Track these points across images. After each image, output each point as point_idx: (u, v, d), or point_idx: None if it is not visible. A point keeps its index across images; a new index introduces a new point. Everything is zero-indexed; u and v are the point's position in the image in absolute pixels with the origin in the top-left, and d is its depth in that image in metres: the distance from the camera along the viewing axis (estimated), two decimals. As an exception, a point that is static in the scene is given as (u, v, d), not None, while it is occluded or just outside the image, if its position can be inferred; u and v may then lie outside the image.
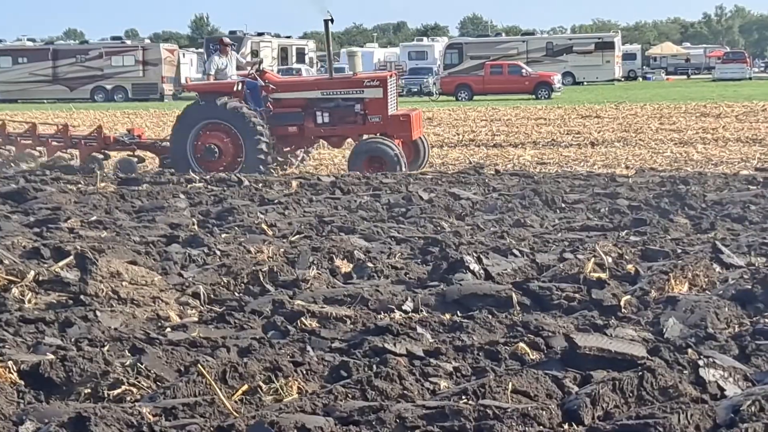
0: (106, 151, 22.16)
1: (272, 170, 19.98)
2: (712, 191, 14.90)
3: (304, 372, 6.25)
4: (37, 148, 22.40)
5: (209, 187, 16.34)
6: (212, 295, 8.65)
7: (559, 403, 5.57)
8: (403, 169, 19.33)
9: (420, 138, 21.00)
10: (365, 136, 20.52)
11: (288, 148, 21.25)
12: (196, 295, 8.58)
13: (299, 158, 22.16)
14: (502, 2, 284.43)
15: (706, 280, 8.74)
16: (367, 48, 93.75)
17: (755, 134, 28.53)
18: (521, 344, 6.69)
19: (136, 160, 21.71)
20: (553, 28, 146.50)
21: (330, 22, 20.82)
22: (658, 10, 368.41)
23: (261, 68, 21.47)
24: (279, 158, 20.88)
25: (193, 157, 20.24)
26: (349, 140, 21.42)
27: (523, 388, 5.76)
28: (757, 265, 9.39)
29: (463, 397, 5.57)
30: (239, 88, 20.40)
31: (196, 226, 12.34)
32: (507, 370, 6.17)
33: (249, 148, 19.92)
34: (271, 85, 20.88)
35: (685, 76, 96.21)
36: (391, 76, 21.59)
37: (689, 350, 6.29)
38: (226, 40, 22.92)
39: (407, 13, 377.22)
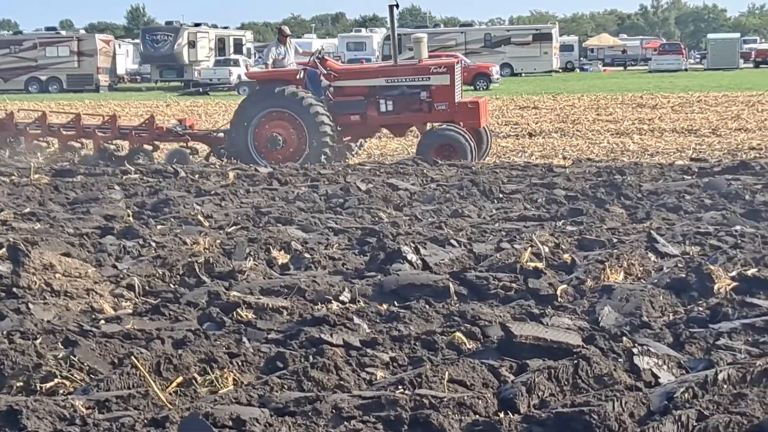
0: (156, 143, 21.58)
1: (334, 160, 19.54)
2: (648, 181, 15.01)
3: (240, 363, 6.20)
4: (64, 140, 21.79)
5: (145, 178, 16.19)
6: (147, 287, 8.57)
7: (495, 392, 5.57)
8: (473, 158, 19.07)
9: (483, 126, 20.61)
10: (428, 125, 20.16)
11: (348, 138, 20.79)
12: (130, 287, 8.49)
13: (357, 147, 21.80)
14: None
15: (641, 269, 8.80)
16: (305, 39, 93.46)
17: (690, 125, 28.83)
18: (458, 334, 6.69)
19: (188, 151, 21.16)
20: (492, 19, 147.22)
21: (395, 7, 20.42)
22: (596, 2, 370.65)
23: (322, 56, 20.89)
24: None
25: (254, 147, 19.88)
26: (413, 128, 21.04)
27: (459, 378, 5.75)
28: (691, 254, 9.48)
29: (400, 386, 5.56)
30: (301, 76, 19.96)
31: (131, 218, 12.22)
32: (444, 359, 6.16)
33: (313, 137, 19.49)
34: (333, 73, 20.40)
35: (621, 68, 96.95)
36: (457, 62, 21.16)
37: (624, 338, 6.34)
38: (285, 29, 22.32)
39: (346, 4, 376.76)
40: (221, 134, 21.52)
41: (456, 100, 20.13)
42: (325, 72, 20.30)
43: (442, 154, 19.03)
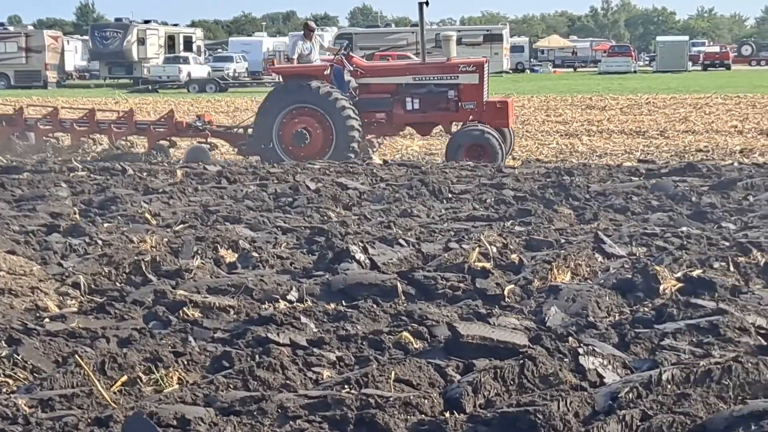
0: (173, 138, 21.24)
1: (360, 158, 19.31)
2: (596, 182, 15.10)
3: (185, 362, 6.17)
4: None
5: (92, 176, 16.05)
6: (93, 285, 8.50)
7: (441, 392, 5.57)
8: (503, 159, 18.84)
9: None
10: (454, 124, 20.00)
11: (371, 135, 20.57)
12: (76, 285, 8.42)
13: (378, 145, 21.59)
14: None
15: (588, 269, 8.85)
16: (256, 37, 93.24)
17: (639, 126, 29.07)
18: (405, 333, 6.68)
19: (208, 147, 20.82)
20: (443, 19, 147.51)
21: (425, 5, 20.17)
22: (546, 4, 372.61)
23: (347, 52, 20.55)
24: None
25: (279, 143, 19.64)
26: (438, 128, 20.83)
27: (405, 377, 5.75)
28: (637, 254, 9.54)
29: (346, 386, 5.54)
30: (328, 72, 19.68)
31: (77, 216, 12.11)
32: (390, 359, 6.16)
33: (340, 134, 19.26)
34: (359, 70, 20.15)
35: (571, 69, 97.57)
36: (486, 61, 20.97)
37: (570, 338, 6.36)
38: (311, 24, 22.06)
39: (297, 2, 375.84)
40: (240, 130, 21.27)
41: (484, 100, 19.95)
42: (352, 69, 20.07)
43: (472, 155, 18.82)
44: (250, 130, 20.82)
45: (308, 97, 19.40)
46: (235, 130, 21.65)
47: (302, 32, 21.56)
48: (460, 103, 19.87)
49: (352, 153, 19.33)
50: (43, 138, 21.61)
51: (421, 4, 20.16)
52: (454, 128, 20.21)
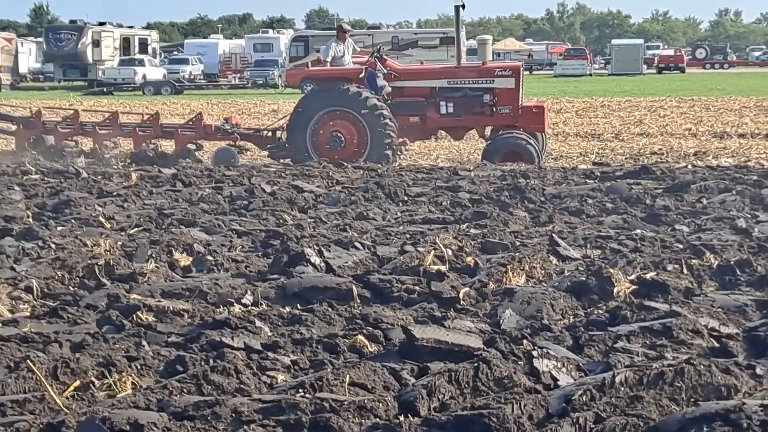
0: (199, 142, 20.98)
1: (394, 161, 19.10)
2: (551, 185, 15.15)
3: (139, 367, 6.13)
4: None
5: (46, 179, 15.92)
6: (45, 290, 8.42)
7: (396, 395, 5.57)
8: (539, 164, 18.72)
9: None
10: (487, 129, 19.91)
11: (402, 139, 20.31)
12: (28, 290, 8.33)
13: (405, 150, 21.44)
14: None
15: (542, 272, 8.87)
16: (212, 39, 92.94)
17: (594, 129, 29.24)
18: (360, 337, 6.68)
19: (237, 150, 20.56)
20: (399, 22, 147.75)
21: (462, 8, 20.03)
22: (502, 6, 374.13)
23: (381, 55, 20.38)
24: None
25: (312, 146, 19.43)
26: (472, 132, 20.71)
27: (360, 381, 5.74)
28: (592, 257, 9.58)
29: (300, 390, 5.53)
30: (362, 75, 19.47)
31: (30, 219, 12.00)
32: (345, 362, 6.15)
33: (375, 137, 19.10)
34: (393, 73, 19.99)
35: (527, 72, 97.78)
36: (522, 66, 20.74)
37: (524, 341, 6.37)
38: (345, 26, 21.80)
39: (253, 5, 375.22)
40: (269, 133, 21.10)
41: (520, 104, 19.81)
42: (386, 71, 19.93)
43: (508, 160, 18.65)
44: (281, 134, 20.68)
45: (343, 100, 19.27)
46: (264, 133, 21.47)
47: (336, 34, 21.37)
48: (495, 108, 19.78)
49: (388, 156, 19.22)
50: (62, 142, 21.28)
51: (457, 7, 20.13)
52: (487, 132, 20.18)
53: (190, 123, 21.49)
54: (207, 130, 20.99)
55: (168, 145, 21.71)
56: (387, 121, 19.19)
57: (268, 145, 20.74)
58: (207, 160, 20.77)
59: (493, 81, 19.80)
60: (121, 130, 21.37)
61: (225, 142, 20.98)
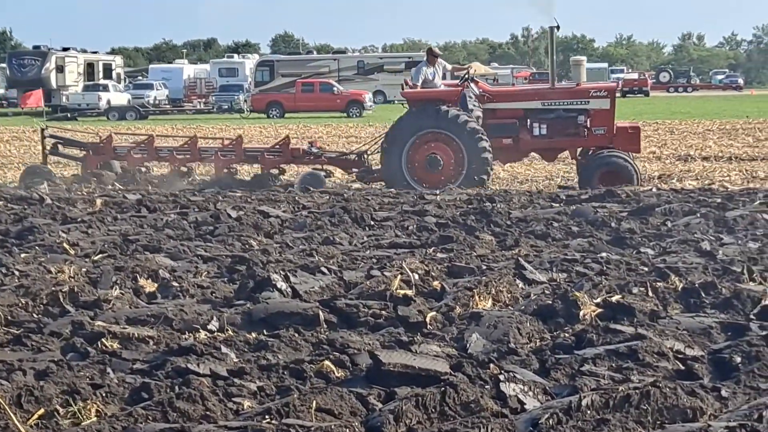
0: (282, 166, 20.84)
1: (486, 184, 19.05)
2: (517, 208, 15.20)
3: (104, 394, 6.08)
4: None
5: (9, 205, 15.81)
6: (9, 317, 8.32)
7: (363, 421, 5.55)
8: (639, 185, 18.57)
9: None
10: (578, 149, 19.81)
11: (495, 161, 20.13)
12: (-8, 317, 8.26)
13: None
14: (313, 21, 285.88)
15: (509, 295, 8.88)
16: (177, 64, 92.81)
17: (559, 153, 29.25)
18: (327, 362, 6.65)
19: (324, 174, 20.40)
20: (365, 46, 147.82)
21: (556, 29, 19.95)
22: (468, 31, 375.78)
23: (472, 77, 20.31)
24: None
25: (407, 169, 19.27)
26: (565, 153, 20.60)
27: (327, 406, 5.72)
28: (558, 280, 9.60)
29: (267, 416, 5.50)
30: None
31: (-6, 246, 11.91)
32: (312, 388, 6.12)
33: (473, 159, 18.92)
34: (486, 95, 19.91)
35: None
36: (617, 86, 20.77)
37: (491, 365, 6.36)
38: (436, 50, 21.54)
39: (218, 30, 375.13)
40: (354, 156, 20.99)
41: (615, 125, 19.73)
42: (478, 93, 19.85)
43: (605, 181, 18.52)
44: (366, 157, 20.66)
45: (439, 122, 19.14)
46: (349, 156, 21.35)
47: (425, 58, 21.18)
48: (590, 129, 19.70)
49: (484, 179, 19.12)
50: (135, 167, 21.09)
51: (552, 28, 20.01)
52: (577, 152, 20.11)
53: (277, 147, 21.31)
54: (294, 154, 20.88)
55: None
56: (484, 143, 19.09)
57: (355, 169, 20.69)
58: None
59: (588, 102, 19.75)
60: (200, 154, 21.15)
61: (311, 166, 20.92)
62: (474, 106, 19.75)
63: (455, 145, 19.14)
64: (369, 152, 21.05)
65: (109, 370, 6.67)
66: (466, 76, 20.43)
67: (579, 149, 20.32)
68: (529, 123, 19.85)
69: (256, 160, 21.16)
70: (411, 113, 19.76)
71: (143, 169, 21.40)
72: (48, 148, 22.11)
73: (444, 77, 21.61)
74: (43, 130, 22.61)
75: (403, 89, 20.56)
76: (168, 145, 22.17)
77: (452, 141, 19.15)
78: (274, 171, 20.88)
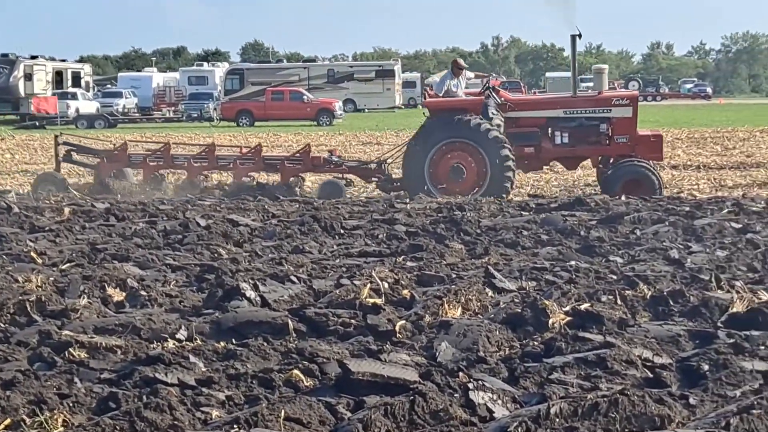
0: (301, 174, 20.68)
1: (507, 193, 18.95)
2: (487, 217, 15.22)
3: (71, 404, 6.04)
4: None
5: (-24, 214, 15.69)
6: (-24, 327, 8.28)
7: (332, 430, 5.55)
8: (661, 193, 18.51)
9: None
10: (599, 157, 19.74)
11: (517, 169, 19.98)
12: (-42, 327, 8.20)
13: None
14: (283, 29, 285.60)
15: (478, 304, 8.88)
16: (146, 72, 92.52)
17: (528, 161, 29.30)
18: (295, 371, 6.64)
19: (343, 182, 20.27)
20: (335, 55, 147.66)
21: (578, 38, 19.89)
22: (438, 40, 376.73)
23: (494, 86, 20.25)
24: None
25: (430, 178, 19.15)
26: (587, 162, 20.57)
27: (296, 416, 5.70)
28: (527, 289, 9.62)
29: (235, 426, 5.48)
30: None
31: (-39, 255, 11.83)
32: (280, 397, 6.10)
33: (496, 169, 18.88)
34: (508, 104, 19.83)
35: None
36: (638, 95, 20.58)
37: (460, 374, 6.37)
38: (461, 62, 21.44)
39: (187, 38, 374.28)
40: (373, 165, 20.91)
41: (637, 134, 19.73)
42: (500, 102, 19.80)
43: (628, 190, 18.48)
44: (386, 166, 20.62)
45: (462, 131, 19.10)
46: (369, 165, 21.29)
47: (450, 69, 21.12)
48: (612, 137, 19.70)
49: (507, 188, 19.08)
50: (151, 175, 20.95)
51: (573, 36, 19.97)
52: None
53: (297, 155, 21.22)
54: (315, 162, 20.78)
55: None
56: (507, 152, 19.07)
57: (375, 178, 20.66)
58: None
59: (611, 110, 19.78)
60: (218, 162, 20.99)
61: (330, 175, 20.86)
62: (494, 114, 19.78)
63: (478, 155, 19.16)
64: (389, 161, 21.07)
65: (76, 379, 6.63)
66: (487, 84, 20.48)
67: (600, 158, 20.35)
68: (550, 131, 19.92)
69: (276, 169, 21.07)
70: (433, 122, 19.72)
71: (158, 176, 21.27)
72: (61, 155, 21.94)
73: (467, 87, 21.61)
74: (56, 137, 22.44)
75: (425, 98, 20.48)
76: (185, 153, 21.97)
77: (475, 150, 19.15)
78: (292, 179, 20.76)
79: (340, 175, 20.85)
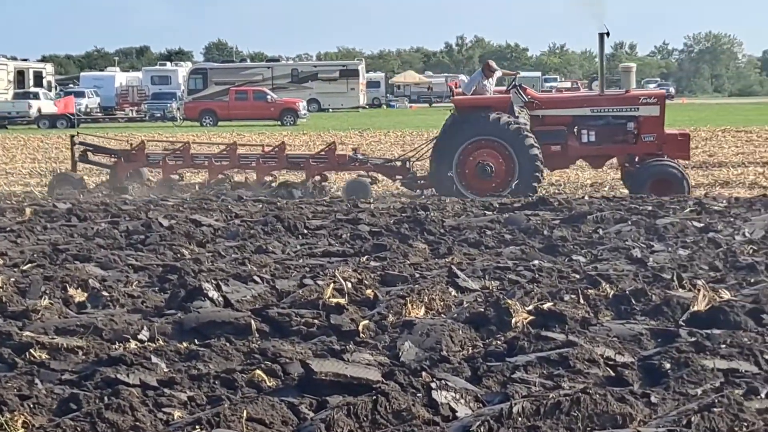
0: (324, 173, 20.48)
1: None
2: (451, 217, 15.24)
3: (31, 406, 5.99)
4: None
5: (-63, 214, 15.56)
6: (-65, 328, 8.20)
7: (294, 430, 5.53)
8: (689, 192, 18.42)
9: None
10: (624, 157, 19.80)
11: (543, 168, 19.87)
12: None
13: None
14: (247, 29, 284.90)
15: (442, 303, 8.89)
16: (108, 72, 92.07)
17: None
18: (258, 371, 6.61)
19: (369, 181, 20.09)
20: (299, 55, 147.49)
21: (606, 36, 19.81)
22: (402, 40, 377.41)
23: (520, 84, 20.14)
24: None
25: (458, 176, 19.00)
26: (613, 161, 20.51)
27: (258, 416, 5.68)
28: (490, 288, 9.63)
29: (197, 426, 5.46)
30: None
31: None
32: (243, 398, 6.08)
33: (524, 167, 18.80)
34: (535, 102, 19.75)
35: (427, 105, 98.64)
36: (665, 94, 20.56)
37: (423, 373, 6.37)
38: (493, 65, 21.24)
39: (150, 37, 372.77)
40: (398, 163, 20.79)
41: (665, 132, 19.71)
42: (527, 100, 19.74)
43: (656, 189, 18.45)
44: (410, 164, 20.56)
45: (490, 129, 19.03)
46: (395, 163, 21.17)
47: (481, 70, 21.04)
48: (639, 136, 19.67)
49: (535, 186, 19.03)
50: (170, 175, 20.78)
51: (601, 35, 19.95)
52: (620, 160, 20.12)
53: (322, 153, 21.06)
54: (340, 161, 20.64)
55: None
56: (536, 152, 19.05)
57: (399, 176, 20.56)
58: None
59: (638, 109, 19.76)
60: (239, 161, 20.83)
61: (355, 173, 20.82)
62: (519, 112, 19.80)
63: (506, 153, 19.13)
64: (414, 159, 21.01)
65: (37, 381, 6.58)
66: (514, 82, 20.46)
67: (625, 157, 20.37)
68: (577, 130, 19.91)
69: (300, 167, 20.99)
70: (460, 120, 19.66)
71: (176, 177, 21.14)
72: (77, 155, 21.79)
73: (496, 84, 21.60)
74: (72, 137, 22.33)
75: (453, 95, 20.38)
76: (205, 152, 21.78)
77: (503, 148, 19.12)
78: (317, 177, 20.66)
79: (365, 173, 20.71)
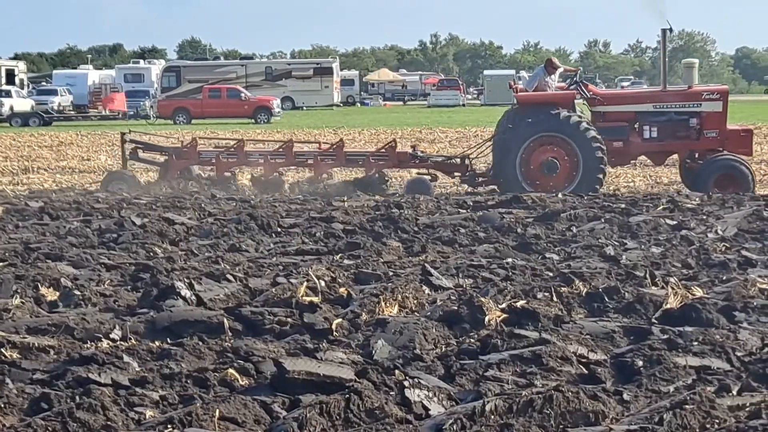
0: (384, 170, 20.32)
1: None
2: (425, 215, 15.24)
3: (2, 405, 5.96)
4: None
5: None
6: None
7: (267, 429, 5.52)
8: (754, 189, 18.32)
9: None
10: (686, 153, 19.77)
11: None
12: None
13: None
14: (221, 26, 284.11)
15: (415, 302, 8.89)
16: (81, 70, 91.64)
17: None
18: (231, 370, 6.60)
19: (429, 178, 19.94)
20: (273, 52, 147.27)
21: (669, 31, 19.81)
22: (376, 37, 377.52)
23: (581, 80, 20.04)
24: None
25: (522, 173, 18.88)
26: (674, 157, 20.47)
27: (231, 415, 5.67)
28: (464, 286, 9.63)
29: (169, 425, 5.44)
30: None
31: None
32: (215, 396, 6.07)
33: (588, 163, 18.68)
34: (597, 98, 19.65)
35: (401, 103, 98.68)
36: (728, 89, 20.46)
37: (396, 371, 6.36)
38: (555, 61, 21.06)
39: (124, 35, 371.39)
40: (457, 160, 20.69)
41: (727, 128, 19.62)
42: (589, 96, 19.67)
43: (720, 185, 18.37)
44: (469, 161, 20.50)
45: (554, 125, 18.93)
46: (455, 160, 21.07)
47: (544, 66, 20.92)
48: (701, 132, 19.59)
49: (599, 182, 18.96)
50: (224, 173, 20.60)
51: (664, 30, 19.97)
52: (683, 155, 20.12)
53: (383, 150, 20.98)
54: (401, 158, 20.55)
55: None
56: (600, 147, 18.96)
57: (458, 173, 20.51)
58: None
59: (701, 104, 19.71)
60: (295, 159, 20.75)
61: (414, 170, 20.75)
62: (579, 108, 19.80)
63: (570, 150, 19.04)
64: (473, 156, 20.98)
65: (7, 380, 6.54)
66: (576, 79, 20.41)
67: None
68: (639, 126, 19.85)
69: (359, 164, 20.95)
70: (523, 117, 19.51)
71: (229, 175, 20.99)
72: (128, 152, 21.66)
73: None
74: (123, 134, 22.15)
75: (516, 91, 20.21)
76: (259, 149, 21.64)
77: (568, 145, 19.03)
78: (376, 175, 20.50)
79: (425, 171, 20.63)
